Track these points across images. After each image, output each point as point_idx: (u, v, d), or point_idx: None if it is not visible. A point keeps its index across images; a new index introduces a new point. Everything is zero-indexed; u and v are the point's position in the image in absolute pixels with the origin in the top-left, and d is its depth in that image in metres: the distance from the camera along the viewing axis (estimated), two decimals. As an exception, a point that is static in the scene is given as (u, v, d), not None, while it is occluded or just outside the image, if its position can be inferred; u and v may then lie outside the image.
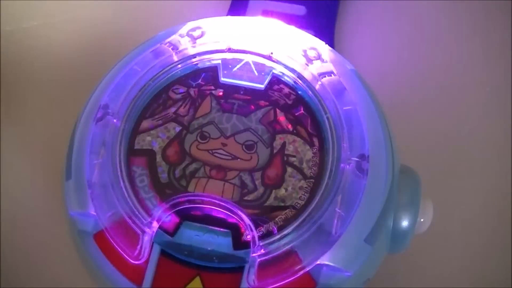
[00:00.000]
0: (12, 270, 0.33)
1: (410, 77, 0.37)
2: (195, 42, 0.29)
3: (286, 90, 0.28)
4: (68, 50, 0.38)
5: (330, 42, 0.33)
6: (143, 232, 0.25)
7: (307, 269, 0.24)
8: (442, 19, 0.39)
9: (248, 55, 0.28)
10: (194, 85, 0.28)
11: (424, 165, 0.30)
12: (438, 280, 0.33)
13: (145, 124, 0.27)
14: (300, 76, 0.28)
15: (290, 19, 0.34)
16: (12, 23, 0.39)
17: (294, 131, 0.27)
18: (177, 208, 0.25)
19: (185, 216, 0.25)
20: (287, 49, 0.28)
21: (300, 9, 0.36)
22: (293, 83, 0.28)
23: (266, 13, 0.35)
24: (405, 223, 0.27)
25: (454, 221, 0.33)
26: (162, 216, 0.25)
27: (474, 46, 0.38)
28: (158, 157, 0.27)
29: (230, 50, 0.28)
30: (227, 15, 0.35)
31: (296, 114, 0.27)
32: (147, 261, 0.25)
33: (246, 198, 0.26)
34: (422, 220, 0.28)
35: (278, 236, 0.25)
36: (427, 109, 0.36)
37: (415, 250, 0.29)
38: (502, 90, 0.37)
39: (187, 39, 0.29)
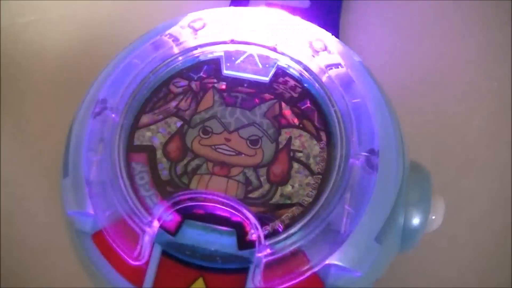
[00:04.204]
0: (10, 270, 0.33)
1: (416, 71, 0.37)
2: (196, 34, 0.28)
3: (292, 82, 0.27)
4: (65, 45, 0.38)
5: (335, 35, 0.33)
6: (144, 231, 0.24)
7: (315, 269, 0.24)
8: (447, 11, 0.39)
9: (252, 46, 0.28)
10: (195, 78, 0.28)
11: (432, 161, 0.29)
12: (447, 279, 0.32)
13: (145, 119, 0.27)
14: (306, 68, 0.27)
15: (294, 11, 0.33)
16: (8, 18, 0.39)
17: (301, 125, 0.26)
18: (179, 207, 0.24)
19: (187, 214, 0.24)
20: (292, 41, 0.28)
21: (303, 1, 0.36)
22: (299, 76, 0.27)
23: (269, 5, 0.35)
24: (416, 220, 0.27)
25: (463, 218, 0.33)
26: (163, 215, 0.24)
27: (485, 40, 0.38)
28: (159, 153, 0.26)
29: (233, 42, 0.28)
30: (229, 7, 0.34)
31: (303, 107, 0.27)
32: (147, 262, 0.24)
33: (250, 195, 0.25)
34: (433, 217, 0.27)
35: (284, 235, 0.24)
36: (434, 103, 0.36)
37: (423, 248, 0.29)
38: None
39: (188, 30, 0.28)
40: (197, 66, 0.28)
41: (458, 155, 0.35)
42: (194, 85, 0.27)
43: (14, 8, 0.40)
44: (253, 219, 0.24)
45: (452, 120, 0.36)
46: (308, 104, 0.27)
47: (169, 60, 0.27)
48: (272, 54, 0.28)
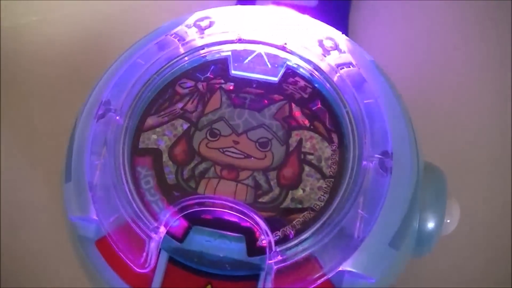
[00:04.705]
0: (11, 276, 0.33)
1: (426, 70, 0.37)
2: (203, 33, 0.28)
3: (302, 83, 0.27)
4: (68, 45, 0.38)
5: (344, 34, 0.33)
6: (149, 238, 0.24)
7: (328, 276, 0.23)
8: (456, 10, 0.38)
9: (260, 46, 0.27)
10: (202, 79, 0.27)
11: (444, 162, 0.29)
12: (461, 282, 0.32)
13: (150, 121, 0.26)
14: (316, 68, 0.27)
15: (301, 10, 0.33)
16: (11, 19, 0.39)
17: (311, 127, 0.26)
18: (186, 212, 0.24)
19: (195, 220, 0.24)
20: (302, 39, 0.27)
21: (311, 1, 0.36)
22: (309, 76, 0.27)
23: (276, 4, 0.35)
24: (431, 224, 0.26)
25: (477, 221, 0.33)
26: (169, 220, 0.24)
27: (497, 38, 0.38)
28: (165, 157, 0.26)
29: (240, 41, 0.27)
30: (235, 7, 0.34)
31: (313, 108, 0.26)
32: (153, 269, 0.24)
33: (260, 200, 0.25)
34: (448, 221, 0.27)
35: (296, 241, 0.24)
36: (445, 102, 0.36)
37: (436, 251, 0.28)
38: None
39: (194, 29, 0.28)
40: (204, 66, 0.27)
41: (471, 155, 0.34)
42: (200, 86, 0.27)
43: (15, 9, 0.40)
44: (263, 225, 0.24)
45: (465, 120, 0.35)
46: (319, 105, 0.26)
47: (174, 60, 0.27)
48: (281, 54, 0.27)
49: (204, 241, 0.24)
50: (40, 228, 0.34)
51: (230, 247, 0.24)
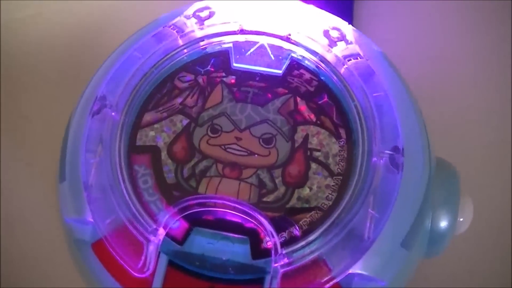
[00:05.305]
0: (9, 279, 0.33)
1: (429, 65, 0.37)
2: (202, 24, 0.27)
3: (307, 75, 0.27)
4: (64, 39, 0.38)
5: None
6: (148, 240, 0.23)
7: (337, 279, 0.23)
8: (459, 5, 0.38)
9: (263, 37, 0.27)
10: (202, 72, 0.27)
11: (455, 157, 0.28)
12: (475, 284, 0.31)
13: (148, 117, 0.26)
14: (322, 60, 0.27)
15: (305, 0, 0.33)
16: (7, 13, 0.39)
17: (318, 122, 0.26)
18: (186, 213, 0.24)
19: (196, 221, 0.24)
20: (307, 30, 0.27)
21: None
22: (315, 68, 0.27)
23: None
24: (444, 223, 0.26)
25: (492, 219, 0.32)
26: (169, 221, 0.24)
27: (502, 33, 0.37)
28: (164, 154, 0.25)
29: (242, 32, 0.27)
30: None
31: (320, 102, 0.26)
32: (153, 274, 0.23)
33: (265, 199, 0.24)
34: (461, 219, 0.27)
35: (303, 243, 0.23)
36: (458, 97, 0.36)
37: (448, 252, 0.28)
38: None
39: (193, 20, 0.27)
40: (204, 59, 0.27)
41: (485, 150, 0.34)
42: (201, 79, 0.27)
43: (12, 3, 0.39)
44: (268, 225, 0.23)
45: (478, 114, 0.35)
46: (326, 99, 0.26)
47: (173, 52, 0.27)
48: (285, 45, 0.27)
49: (206, 243, 0.23)
50: (37, 230, 0.33)
51: (233, 250, 0.23)
